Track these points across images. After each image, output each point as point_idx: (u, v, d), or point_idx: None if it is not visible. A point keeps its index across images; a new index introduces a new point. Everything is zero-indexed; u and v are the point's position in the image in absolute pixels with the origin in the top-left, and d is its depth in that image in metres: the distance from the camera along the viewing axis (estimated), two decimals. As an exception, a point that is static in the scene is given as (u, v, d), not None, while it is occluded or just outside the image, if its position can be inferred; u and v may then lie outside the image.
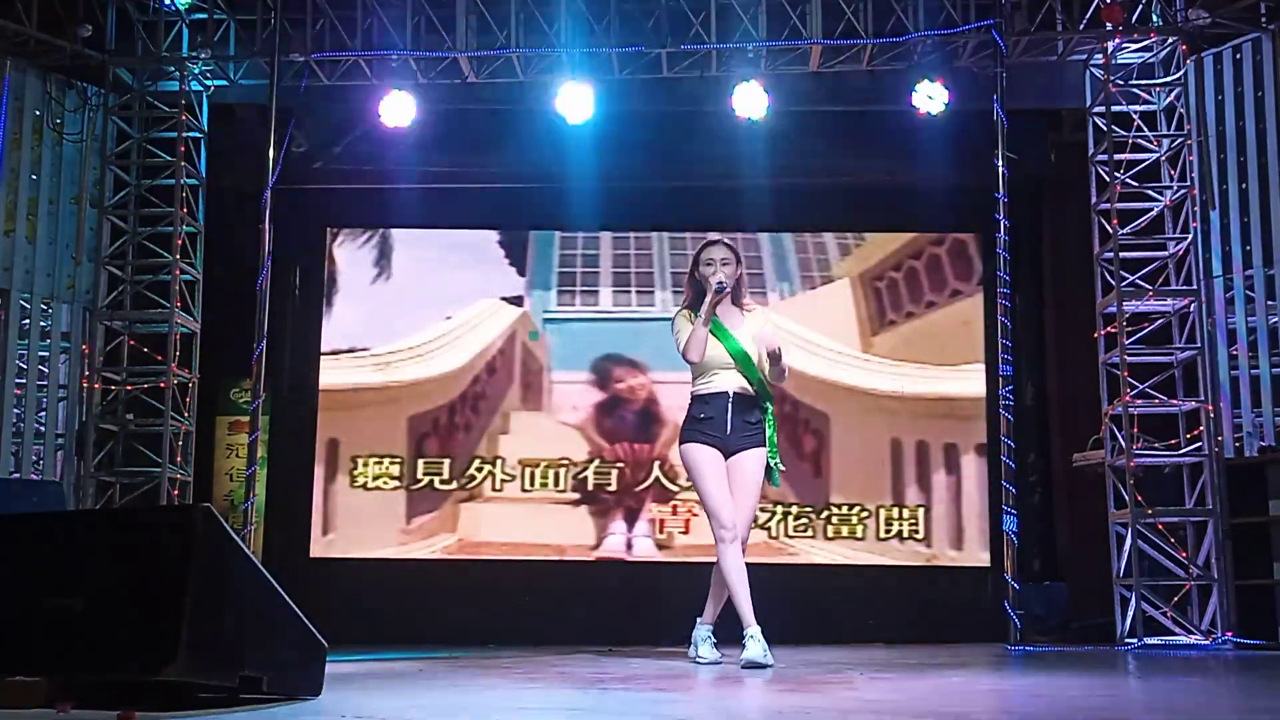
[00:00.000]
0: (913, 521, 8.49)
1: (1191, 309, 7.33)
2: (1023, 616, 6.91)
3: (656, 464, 8.63)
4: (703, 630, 5.36)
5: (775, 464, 5.28)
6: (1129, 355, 7.30)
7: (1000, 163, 7.18)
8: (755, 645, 4.94)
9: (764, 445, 5.22)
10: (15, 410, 7.47)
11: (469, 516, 8.62)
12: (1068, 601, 8.07)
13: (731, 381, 5.21)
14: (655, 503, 8.60)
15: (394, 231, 9.00)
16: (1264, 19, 7.18)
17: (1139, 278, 7.39)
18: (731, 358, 5.21)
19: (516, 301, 8.86)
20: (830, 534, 8.51)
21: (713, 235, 5.46)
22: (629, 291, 8.85)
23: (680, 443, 5.32)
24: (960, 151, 7.95)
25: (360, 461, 8.69)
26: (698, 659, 5.26)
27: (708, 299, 5.16)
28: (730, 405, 5.19)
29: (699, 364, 5.23)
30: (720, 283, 5.16)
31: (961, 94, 7.64)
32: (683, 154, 8.58)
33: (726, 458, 5.19)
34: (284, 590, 3.24)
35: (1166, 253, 7.48)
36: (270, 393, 7.96)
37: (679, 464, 8.40)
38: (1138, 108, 7.58)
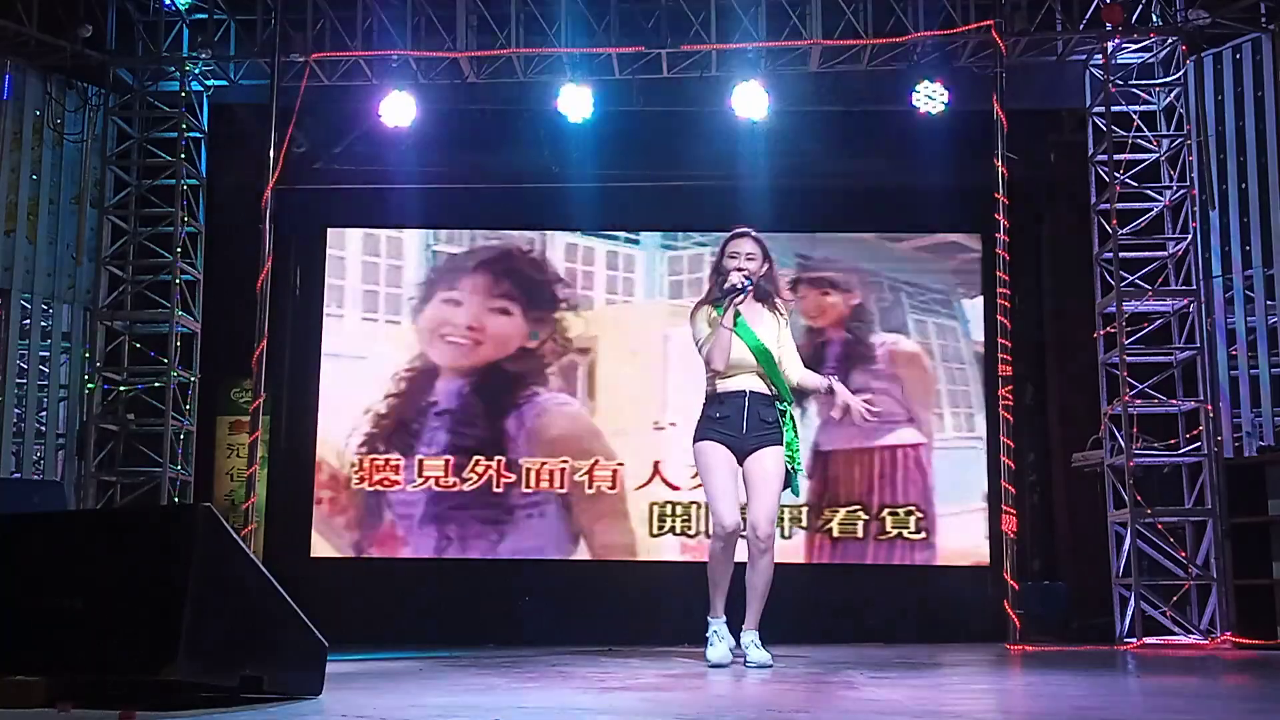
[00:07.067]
0: (913, 521, 8.49)
1: (1191, 309, 7.33)
2: (1022, 616, 6.90)
3: (656, 464, 8.62)
4: (746, 635, 5.04)
5: (797, 469, 5.07)
6: (1128, 355, 7.30)
7: (1000, 163, 7.18)
8: (720, 644, 4.94)
9: (781, 444, 5.00)
10: (16, 410, 7.48)
11: (469, 516, 8.62)
12: (1067, 601, 8.07)
13: (750, 381, 5.02)
14: (655, 503, 8.59)
15: (393, 231, 8.98)
16: (1264, 19, 7.19)
17: (1138, 278, 7.39)
18: (754, 357, 5.00)
19: (516, 301, 8.86)
20: (831, 534, 8.50)
21: (741, 227, 5.19)
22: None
23: (694, 440, 5.09)
24: (960, 151, 7.95)
25: (361, 461, 8.69)
26: (746, 663, 4.97)
27: (727, 301, 4.95)
28: (746, 405, 4.99)
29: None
30: (739, 282, 4.96)
31: (961, 94, 7.65)
32: (683, 154, 8.57)
33: (743, 457, 5.01)
34: (284, 590, 3.24)
35: (1166, 253, 7.49)
36: (270, 393, 7.96)
37: (679, 464, 8.53)
38: (1137, 108, 7.59)
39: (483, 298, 8.87)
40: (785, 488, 5.08)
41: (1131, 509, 7.07)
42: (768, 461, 4.99)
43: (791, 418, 5.10)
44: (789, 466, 5.04)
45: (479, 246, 8.96)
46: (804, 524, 8.49)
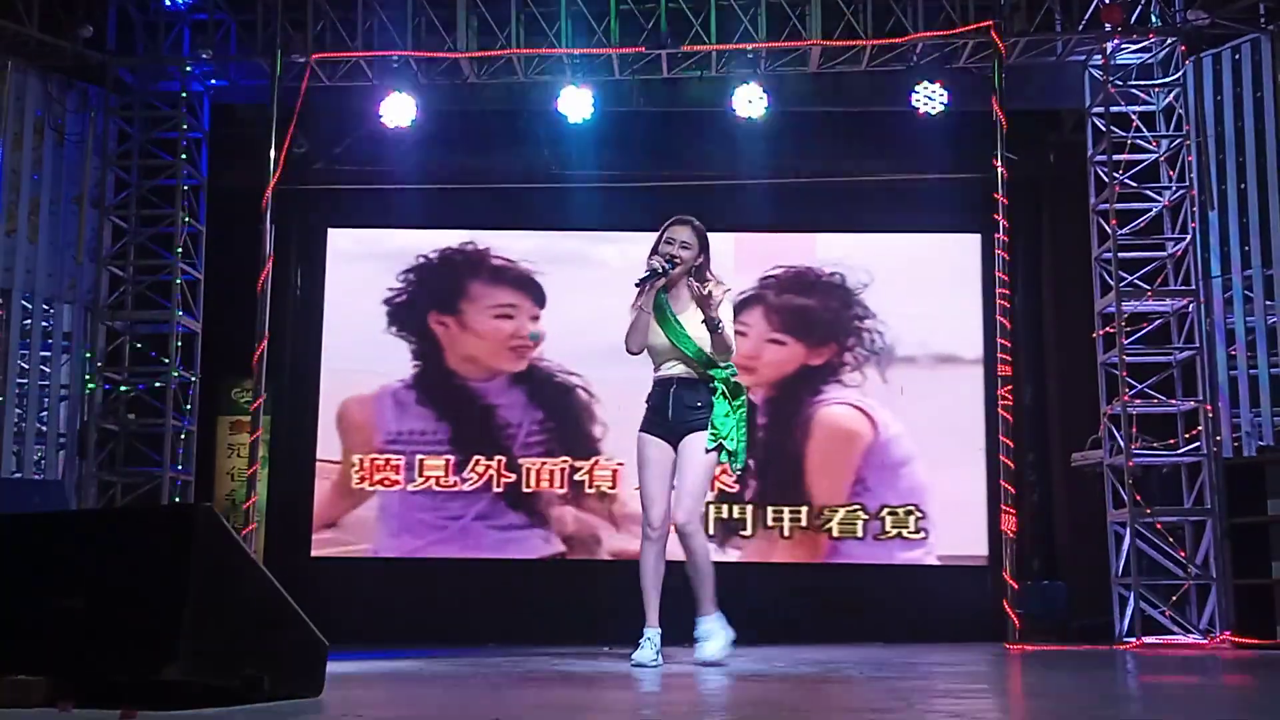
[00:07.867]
0: (912, 521, 8.49)
1: (1190, 309, 7.34)
2: (1022, 616, 6.91)
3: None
4: (700, 625, 5.17)
5: (728, 443, 4.98)
6: (1128, 355, 7.31)
7: (999, 163, 7.19)
8: (648, 648, 4.99)
9: (706, 428, 4.98)
10: (17, 410, 7.48)
11: (469, 516, 8.62)
12: (1067, 601, 8.07)
13: (676, 369, 5.06)
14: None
15: (393, 231, 8.99)
16: (1263, 20, 7.20)
17: (1138, 278, 7.40)
18: (674, 343, 5.02)
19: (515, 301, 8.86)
20: (830, 533, 8.51)
21: (685, 215, 5.20)
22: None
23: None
24: (960, 152, 7.97)
25: (361, 461, 8.69)
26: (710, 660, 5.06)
27: (645, 285, 4.99)
28: (672, 392, 5.05)
29: (645, 353, 5.09)
30: (658, 266, 4.99)
31: (961, 95, 7.66)
32: (683, 154, 8.58)
33: (677, 444, 5.04)
34: (284, 590, 3.25)
35: (1165, 253, 7.50)
36: (271, 392, 7.97)
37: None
38: (1137, 108, 7.60)
39: (482, 298, 8.87)
40: (723, 461, 5.05)
41: (1131, 509, 7.07)
42: (688, 449, 5.02)
43: (724, 395, 5.02)
44: (719, 443, 4.97)
45: (478, 247, 8.96)
46: (804, 524, 8.50)
